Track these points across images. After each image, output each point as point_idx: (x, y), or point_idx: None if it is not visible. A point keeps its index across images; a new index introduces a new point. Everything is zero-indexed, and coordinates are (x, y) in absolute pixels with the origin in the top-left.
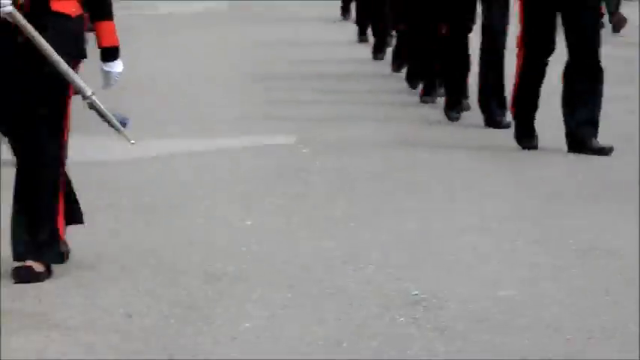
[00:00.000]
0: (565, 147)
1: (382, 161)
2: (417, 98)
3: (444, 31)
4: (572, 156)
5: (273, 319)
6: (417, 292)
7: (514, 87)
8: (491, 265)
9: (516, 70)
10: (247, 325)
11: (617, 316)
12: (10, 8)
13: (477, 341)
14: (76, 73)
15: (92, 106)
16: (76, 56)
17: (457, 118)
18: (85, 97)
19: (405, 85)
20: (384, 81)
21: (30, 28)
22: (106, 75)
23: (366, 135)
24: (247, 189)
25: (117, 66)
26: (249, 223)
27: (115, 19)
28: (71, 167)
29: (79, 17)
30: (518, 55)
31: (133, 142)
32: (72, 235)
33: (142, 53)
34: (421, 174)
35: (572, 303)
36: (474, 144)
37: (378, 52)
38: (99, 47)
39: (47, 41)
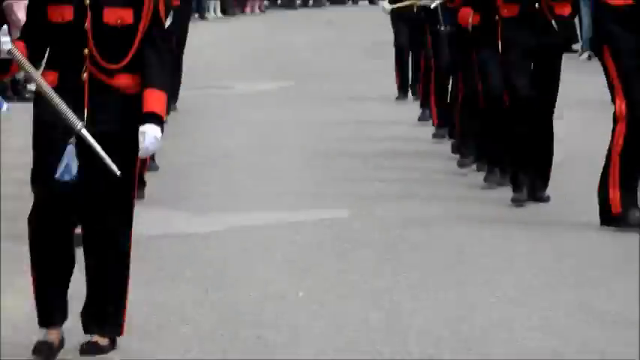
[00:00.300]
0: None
1: (426, 235)
2: (467, 179)
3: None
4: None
5: None
6: None
7: (610, 167)
8: (527, 335)
9: (616, 148)
10: None
11: None
12: (9, 45)
13: None
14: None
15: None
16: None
17: (521, 204)
18: (75, 130)
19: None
20: (442, 161)
21: (29, 67)
22: (141, 135)
23: (414, 210)
24: (301, 262)
25: (154, 129)
26: (301, 294)
27: (192, 97)
28: (139, 239)
29: (138, 94)
30: (618, 131)
31: (118, 173)
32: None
33: (215, 130)
34: (463, 247)
35: None
36: (518, 218)
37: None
38: (144, 111)
39: (107, 117)
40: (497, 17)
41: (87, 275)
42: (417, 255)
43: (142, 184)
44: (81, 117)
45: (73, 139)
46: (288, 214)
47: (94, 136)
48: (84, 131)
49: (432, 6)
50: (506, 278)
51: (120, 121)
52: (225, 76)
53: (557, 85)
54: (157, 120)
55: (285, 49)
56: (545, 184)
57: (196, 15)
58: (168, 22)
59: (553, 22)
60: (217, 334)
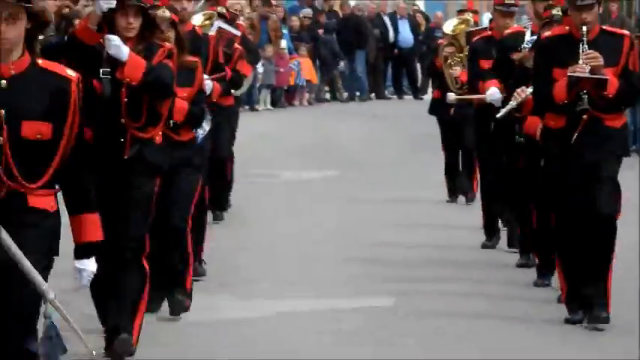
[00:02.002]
0: None
1: (467, 325)
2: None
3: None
4: None
5: None
6: None
7: None
8: None
9: None
10: None
11: None
12: None
13: None
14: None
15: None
16: (52, 254)
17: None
18: (45, 300)
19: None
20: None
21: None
22: (80, 273)
23: (456, 303)
24: (346, 350)
25: (91, 265)
26: None
27: (239, 185)
28: (186, 326)
29: (57, 212)
30: None
31: (94, 352)
32: None
33: (261, 217)
34: (503, 343)
35: None
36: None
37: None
38: (75, 242)
39: (24, 238)
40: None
41: None
42: (458, 347)
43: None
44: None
45: (47, 312)
46: (332, 302)
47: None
48: (56, 302)
49: (499, 116)
50: None
51: (36, 242)
52: (272, 165)
53: (619, 198)
54: (93, 251)
55: (330, 140)
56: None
57: (247, 107)
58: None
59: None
60: None
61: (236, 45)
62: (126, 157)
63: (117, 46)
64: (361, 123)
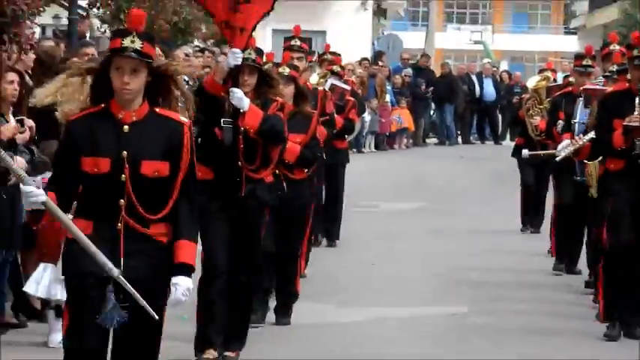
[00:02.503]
0: None
1: (533, 326)
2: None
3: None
4: None
5: None
6: None
7: None
8: None
9: None
10: None
11: None
12: (44, 198)
13: None
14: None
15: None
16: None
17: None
18: (114, 277)
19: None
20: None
21: (63, 218)
22: (173, 286)
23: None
24: (426, 351)
25: (186, 281)
26: None
27: (346, 214)
28: (289, 327)
29: (170, 243)
30: None
31: (157, 317)
32: None
33: (361, 241)
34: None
35: None
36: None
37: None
38: (174, 262)
39: (142, 267)
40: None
41: None
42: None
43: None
44: (117, 264)
45: (111, 287)
46: (416, 310)
47: (130, 282)
48: (122, 278)
49: (558, 159)
50: None
51: (152, 269)
52: (373, 196)
53: None
54: (189, 271)
55: (422, 177)
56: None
57: (355, 150)
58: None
59: None
60: None
61: (348, 97)
62: (242, 194)
63: (240, 98)
64: (449, 163)
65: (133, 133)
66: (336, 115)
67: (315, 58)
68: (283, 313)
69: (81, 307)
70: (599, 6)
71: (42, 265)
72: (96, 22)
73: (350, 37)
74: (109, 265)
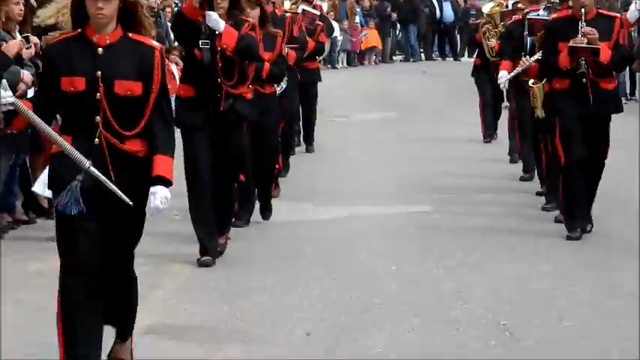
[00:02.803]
0: None
1: (491, 225)
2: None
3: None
4: None
5: (402, 336)
6: (505, 322)
7: None
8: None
9: None
10: (385, 340)
11: None
12: (11, 99)
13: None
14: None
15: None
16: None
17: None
18: (84, 168)
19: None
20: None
21: (33, 117)
22: (152, 195)
23: (481, 208)
24: (393, 244)
25: (163, 190)
26: (393, 268)
27: (321, 123)
28: (272, 225)
29: (147, 158)
30: None
31: (130, 203)
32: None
33: (336, 147)
34: (519, 236)
35: None
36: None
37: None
38: (152, 175)
39: (121, 180)
40: (550, 89)
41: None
42: (483, 239)
43: (277, 185)
44: (108, 177)
45: (80, 176)
46: (385, 208)
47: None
48: (92, 168)
49: (501, 86)
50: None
51: (132, 182)
52: (346, 108)
53: (608, 146)
54: (166, 182)
55: (390, 90)
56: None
57: (329, 66)
58: (282, 86)
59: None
60: (331, 296)
61: (317, 22)
62: (221, 109)
63: (215, 20)
64: (414, 77)
65: (107, 54)
66: (308, 38)
67: None
68: (264, 214)
69: (69, 221)
70: None
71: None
72: None
73: None
74: (81, 158)
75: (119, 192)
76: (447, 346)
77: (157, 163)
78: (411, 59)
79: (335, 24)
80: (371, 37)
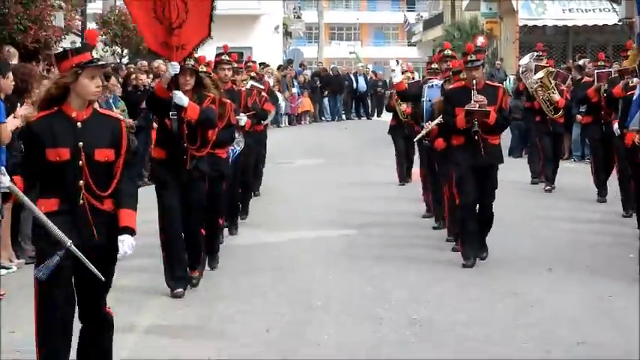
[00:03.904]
0: None
1: (400, 244)
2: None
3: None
4: None
5: (338, 328)
6: (415, 317)
7: None
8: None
9: None
10: (327, 331)
11: None
12: (8, 183)
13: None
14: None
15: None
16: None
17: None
18: (64, 247)
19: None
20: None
21: (26, 200)
22: (120, 242)
23: (396, 233)
24: (330, 258)
25: (130, 238)
26: (330, 278)
27: (272, 167)
28: (237, 247)
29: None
30: None
31: (103, 279)
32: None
33: (282, 185)
34: (426, 255)
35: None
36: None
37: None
38: (120, 226)
39: (101, 234)
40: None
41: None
42: (396, 254)
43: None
44: (89, 234)
45: (60, 252)
46: (321, 232)
47: (94, 248)
48: (73, 247)
49: (416, 139)
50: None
51: (107, 236)
52: (291, 156)
53: (495, 188)
54: (131, 232)
55: (320, 142)
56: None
57: (275, 125)
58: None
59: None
60: (284, 299)
61: (263, 94)
62: (187, 167)
63: (180, 97)
64: (339, 132)
65: (85, 128)
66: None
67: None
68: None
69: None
70: (429, 27)
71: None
72: (100, 45)
73: (269, 50)
74: (63, 237)
75: (94, 269)
76: (370, 336)
77: (123, 216)
78: (336, 119)
79: (279, 94)
80: (305, 103)
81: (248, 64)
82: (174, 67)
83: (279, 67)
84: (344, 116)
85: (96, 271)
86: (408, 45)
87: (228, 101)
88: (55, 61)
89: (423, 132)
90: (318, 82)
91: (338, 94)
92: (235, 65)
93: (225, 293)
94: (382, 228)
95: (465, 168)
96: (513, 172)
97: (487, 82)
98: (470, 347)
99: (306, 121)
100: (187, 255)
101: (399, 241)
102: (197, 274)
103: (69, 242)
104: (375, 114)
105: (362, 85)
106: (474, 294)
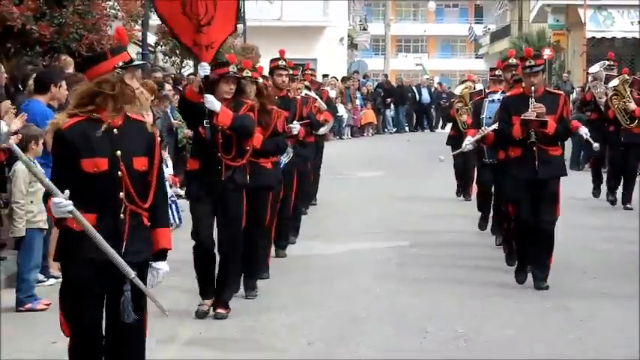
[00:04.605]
0: None
1: (453, 258)
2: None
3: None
4: None
5: (384, 340)
6: (462, 331)
7: None
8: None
9: None
10: (370, 345)
11: None
12: (70, 207)
13: None
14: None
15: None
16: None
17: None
18: (127, 276)
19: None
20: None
21: (85, 222)
22: (153, 272)
23: (449, 246)
24: (379, 270)
25: (164, 266)
26: (378, 290)
27: (334, 179)
28: (289, 258)
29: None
30: None
31: (167, 313)
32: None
33: (344, 197)
34: (476, 268)
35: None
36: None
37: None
38: (155, 249)
39: (141, 250)
40: (505, 156)
41: None
42: (447, 270)
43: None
44: (119, 247)
45: (127, 287)
46: (372, 244)
47: (132, 265)
48: (137, 279)
49: (464, 149)
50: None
51: (146, 251)
52: (351, 168)
53: (556, 205)
54: (166, 256)
55: (383, 154)
56: (545, 277)
57: (337, 137)
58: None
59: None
60: (329, 311)
61: (316, 104)
62: (222, 178)
63: (211, 102)
64: (401, 145)
65: (121, 135)
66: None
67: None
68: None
69: (80, 290)
70: (496, 39)
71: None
72: (160, 56)
73: (333, 62)
74: (127, 267)
75: (156, 300)
76: (416, 349)
77: (159, 236)
78: (395, 129)
79: (341, 105)
80: (368, 115)
81: (306, 71)
82: (205, 68)
83: (343, 79)
84: (407, 128)
85: (160, 304)
86: (475, 57)
87: (275, 108)
88: (85, 65)
89: (477, 136)
90: (381, 94)
91: (400, 105)
92: (291, 72)
93: (271, 305)
94: (436, 243)
95: (520, 184)
96: (577, 186)
97: (547, 89)
98: None
99: (368, 133)
100: (218, 276)
101: (452, 257)
102: (224, 312)
103: (133, 274)
104: (440, 126)
105: (425, 97)
106: (526, 309)
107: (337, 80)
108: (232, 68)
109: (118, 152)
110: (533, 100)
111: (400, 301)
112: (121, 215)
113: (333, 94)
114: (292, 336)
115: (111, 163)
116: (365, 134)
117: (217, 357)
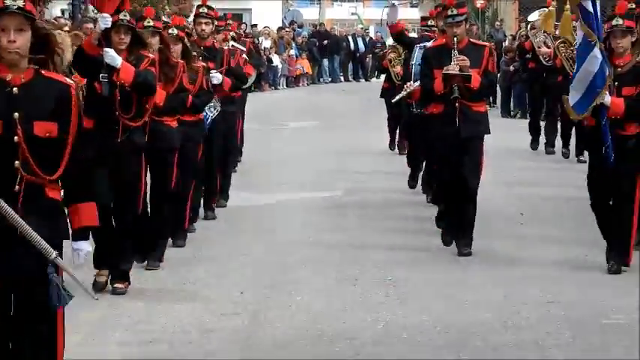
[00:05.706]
0: None
1: (385, 206)
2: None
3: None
4: None
5: (315, 290)
6: (390, 277)
7: None
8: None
9: None
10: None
11: None
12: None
13: None
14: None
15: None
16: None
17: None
18: (49, 258)
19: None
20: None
21: (4, 206)
22: (76, 252)
23: (378, 194)
24: (312, 219)
25: (86, 246)
26: (310, 239)
27: (267, 129)
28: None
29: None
30: None
31: (96, 298)
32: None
33: (276, 146)
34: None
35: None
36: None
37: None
38: (74, 227)
39: (40, 226)
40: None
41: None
42: (378, 217)
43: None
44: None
45: (51, 269)
46: (307, 193)
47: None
48: (59, 259)
49: (394, 100)
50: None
51: (47, 228)
52: (284, 118)
53: (479, 167)
54: (88, 234)
55: (317, 104)
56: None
57: (273, 87)
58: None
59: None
60: (266, 259)
61: (242, 56)
62: (119, 140)
63: (112, 57)
64: (336, 95)
65: (23, 94)
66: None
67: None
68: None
69: None
70: None
71: None
72: (90, 7)
73: (268, 12)
74: (49, 249)
75: (84, 286)
76: (348, 294)
77: (81, 212)
78: (330, 79)
79: (276, 56)
80: (303, 65)
81: (228, 22)
82: (105, 20)
83: (278, 29)
84: (342, 78)
85: (86, 287)
86: (410, 6)
87: (182, 61)
88: None
89: (403, 93)
90: (316, 44)
91: (335, 54)
92: (217, 23)
93: (203, 256)
94: (369, 192)
95: (443, 141)
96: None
97: (472, 40)
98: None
99: (304, 83)
100: (114, 247)
101: (384, 204)
102: (122, 286)
103: (55, 254)
104: (375, 76)
105: (361, 46)
106: (443, 257)
107: (271, 29)
108: (123, 16)
109: (16, 114)
110: (456, 52)
111: (331, 250)
112: (16, 187)
113: (267, 44)
114: (224, 286)
115: (6, 125)
116: (301, 84)
117: (152, 308)
